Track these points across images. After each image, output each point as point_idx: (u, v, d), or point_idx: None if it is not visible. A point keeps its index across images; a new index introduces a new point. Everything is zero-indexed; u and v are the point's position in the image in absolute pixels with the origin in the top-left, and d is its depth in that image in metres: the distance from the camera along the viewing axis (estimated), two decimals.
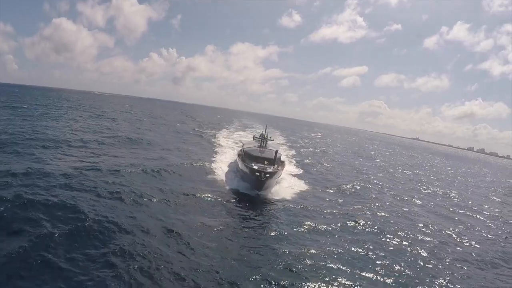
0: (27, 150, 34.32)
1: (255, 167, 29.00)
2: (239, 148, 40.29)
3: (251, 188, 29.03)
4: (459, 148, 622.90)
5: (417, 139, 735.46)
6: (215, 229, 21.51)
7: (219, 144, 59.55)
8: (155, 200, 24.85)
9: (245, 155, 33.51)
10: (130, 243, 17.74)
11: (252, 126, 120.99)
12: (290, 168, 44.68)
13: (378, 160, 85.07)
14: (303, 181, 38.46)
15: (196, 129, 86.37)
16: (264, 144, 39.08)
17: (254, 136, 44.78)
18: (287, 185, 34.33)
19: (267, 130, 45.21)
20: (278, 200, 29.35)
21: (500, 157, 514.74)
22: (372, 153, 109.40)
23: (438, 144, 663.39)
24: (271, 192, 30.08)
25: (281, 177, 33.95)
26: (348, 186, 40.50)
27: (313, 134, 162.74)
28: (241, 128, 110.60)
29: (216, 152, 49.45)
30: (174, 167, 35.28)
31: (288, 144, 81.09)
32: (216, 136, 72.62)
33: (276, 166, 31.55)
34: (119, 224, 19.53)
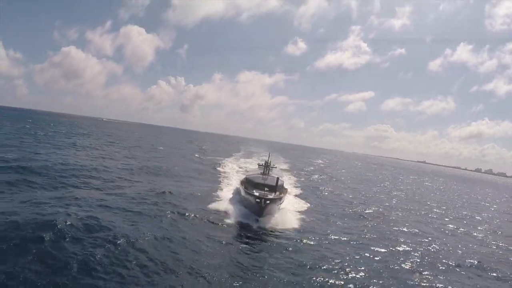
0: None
1: (256, 194, 29.45)
2: (243, 176, 40.92)
3: (252, 214, 29.47)
4: (466, 169, 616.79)
5: (424, 162, 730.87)
6: (207, 258, 21.84)
7: (224, 172, 60.34)
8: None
9: (247, 182, 34.17)
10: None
11: (258, 153, 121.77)
12: (293, 195, 45.02)
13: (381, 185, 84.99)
14: (306, 208, 38.89)
15: (201, 157, 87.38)
16: (267, 171, 39.72)
17: (258, 164, 45.25)
18: (289, 213, 34.21)
19: (270, 157, 45.75)
20: (279, 230, 29.38)
21: (508, 177, 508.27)
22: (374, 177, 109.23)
23: (446, 166, 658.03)
24: (272, 220, 30.22)
25: (283, 204, 34.16)
26: (350, 211, 41.75)
27: (319, 161, 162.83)
28: (247, 155, 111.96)
29: (220, 181, 49.90)
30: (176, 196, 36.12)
31: (293, 171, 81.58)
32: (222, 164, 73.09)
33: (278, 193, 32.17)
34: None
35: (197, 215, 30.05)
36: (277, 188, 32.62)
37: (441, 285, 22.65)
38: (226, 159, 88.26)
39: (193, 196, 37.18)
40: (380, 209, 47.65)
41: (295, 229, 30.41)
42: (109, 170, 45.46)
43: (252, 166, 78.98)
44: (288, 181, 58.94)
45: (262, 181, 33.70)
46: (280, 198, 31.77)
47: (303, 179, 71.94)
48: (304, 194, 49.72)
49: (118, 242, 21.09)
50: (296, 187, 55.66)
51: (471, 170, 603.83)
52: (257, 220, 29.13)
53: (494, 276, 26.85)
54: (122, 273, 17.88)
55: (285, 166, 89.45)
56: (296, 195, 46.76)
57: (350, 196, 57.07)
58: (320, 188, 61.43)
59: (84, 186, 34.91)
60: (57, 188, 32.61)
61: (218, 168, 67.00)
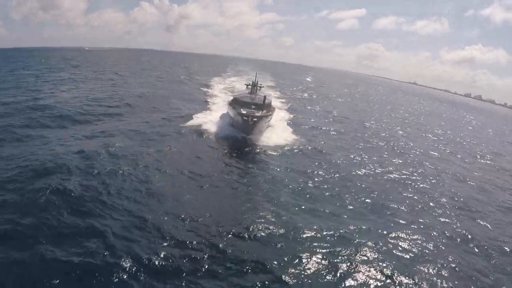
0: None
1: (244, 112, 29.62)
2: (231, 97, 40.68)
3: (241, 132, 29.93)
4: (456, 93, 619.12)
5: (415, 83, 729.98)
6: (203, 178, 22.51)
7: (211, 93, 60.09)
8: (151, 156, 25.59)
9: (235, 102, 34.12)
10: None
11: (245, 72, 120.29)
12: (281, 113, 45.77)
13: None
14: (294, 125, 40.04)
15: (188, 79, 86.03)
16: (255, 91, 39.26)
17: (246, 84, 44.68)
18: (277, 129, 35.13)
19: (257, 77, 44.79)
20: (268, 147, 30.20)
21: (496, 104, 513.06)
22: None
23: (435, 89, 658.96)
24: (261, 137, 31.11)
25: (271, 121, 34.93)
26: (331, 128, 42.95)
27: (308, 79, 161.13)
28: (234, 74, 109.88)
29: (208, 102, 50.01)
30: (164, 122, 36.11)
31: (281, 89, 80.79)
32: (209, 85, 72.54)
33: (265, 111, 32.17)
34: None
35: (186, 137, 30.77)
36: (265, 106, 32.60)
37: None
38: (213, 78, 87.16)
39: (182, 118, 37.39)
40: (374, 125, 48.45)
41: (283, 145, 31.34)
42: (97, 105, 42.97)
43: (239, 85, 78.10)
44: (276, 100, 58.66)
45: (250, 100, 33.75)
46: (268, 116, 32.09)
47: (291, 97, 72.04)
48: (293, 112, 50.79)
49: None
50: (284, 104, 56.44)
51: (461, 95, 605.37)
52: (245, 138, 29.75)
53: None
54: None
55: (272, 84, 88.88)
56: (284, 113, 47.67)
57: (336, 113, 57.47)
58: (308, 106, 62.21)
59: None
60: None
61: (205, 89, 66.38)
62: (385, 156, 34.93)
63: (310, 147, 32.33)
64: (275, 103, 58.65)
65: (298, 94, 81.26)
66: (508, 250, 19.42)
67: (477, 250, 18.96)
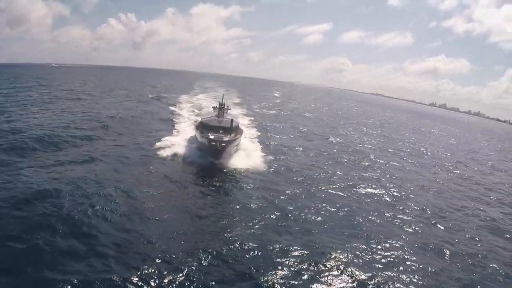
0: None
1: (211, 137, 29.37)
2: (198, 120, 40.29)
3: (209, 157, 29.59)
4: (422, 103, 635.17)
5: (381, 95, 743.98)
6: (171, 203, 22.42)
7: (180, 114, 58.70)
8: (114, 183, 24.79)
9: (202, 126, 33.64)
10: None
11: (213, 88, 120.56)
12: (249, 134, 45.51)
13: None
14: (261, 148, 39.18)
15: (155, 98, 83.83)
16: (222, 113, 38.64)
17: (213, 106, 43.58)
18: (246, 152, 34.51)
19: (224, 99, 44.76)
20: (237, 170, 30.06)
21: (461, 112, 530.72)
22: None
23: (401, 99, 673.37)
24: (229, 161, 30.69)
25: (240, 146, 34.61)
26: (300, 149, 43.02)
27: (276, 94, 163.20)
28: (202, 91, 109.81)
29: (176, 122, 49.71)
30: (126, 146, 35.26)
31: (248, 107, 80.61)
32: (176, 105, 71.18)
33: (233, 134, 32.05)
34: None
35: (156, 161, 30.35)
36: (232, 129, 32.54)
37: None
38: (181, 97, 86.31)
39: (151, 141, 36.78)
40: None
41: (252, 166, 31.29)
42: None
43: (206, 102, 78.26)
44: (243, 120, 58.90)
45: (217, 124, 33.57)
46: (236, 139, 31.87)
47: (259, 114, 72.66)
48: (260, 132, 50.32)
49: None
50: (252, 125, 55.83)
51: (426, 104, 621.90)
52: (214, 163, 29.49)
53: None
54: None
55: (239, 101, 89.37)
56: (252, 134, 47.29)
57: (305, 129, 58.33)
58: (276, 123, 62.62)
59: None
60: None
61: (173, 108, 65.65)
62: (353, 171, 35.66)
63: (279, 166, 32.74)
64: (243, 121, 58.89)
65: (266, 111, 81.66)
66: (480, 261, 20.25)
67: (447, 259, 19.97)
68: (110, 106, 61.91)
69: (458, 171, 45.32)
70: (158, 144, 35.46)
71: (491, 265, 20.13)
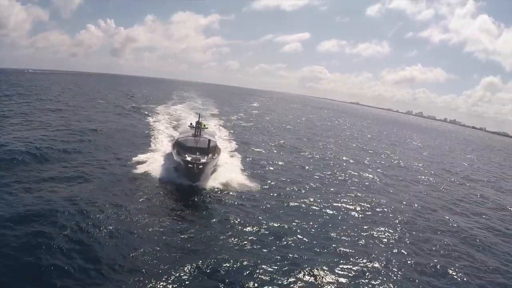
0: None
1: (188, 159, 28.85)
2: (175, 137, 39.86)
3: (186, 179, 28.95)
4: (398, 111, 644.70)
5: (358, 103, 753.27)
6: (148, 227, 21.75)
7: (157, 128, 57.14)
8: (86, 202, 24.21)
9: (179, 146, 33.06)
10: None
11: (191, 98, 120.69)
12: (228, 151, 44.93)
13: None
14: (239, 162, 39.34)
15: (134, 110, 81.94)
16: (199, 132, 37.41)
17: (189, 125, 42.94)
18: (224, 171, 33.62)
19: (201, 117, 44.16)
20: (215, 190, 29.53)
21: (437, 120, 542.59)
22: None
23: (379, 108, 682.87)
24: (208, 182, 30.11)
25: (218, 164, 34.07)
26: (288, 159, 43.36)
27: (255, 104, 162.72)
28: (180, 100, 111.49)
29: (153, 137, 48.75)
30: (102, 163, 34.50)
31: (225, 119, 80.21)
32: (154, 116, 70.59)
33: (210, 155, 31.54)
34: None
35: (132, 181, 29.56)
36: (210, 150, 31.90)
37: None
38: (158, 108, 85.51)
39: (128, 157, 36.01)
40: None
41: (231, 186, 30.82)
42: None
43: (184, 113, 77.97)
44: (221, 132, 59.26)
45: (194, 144, 32.81)
46: (213, 160, 31.44)
47: (237, 126, 72.28)
48: (238, 145, 50.01)
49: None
50: (230, 138, 55.56)
51: (402, 113, 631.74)
52: (192, 185, 28.82)
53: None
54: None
55: (217, 112, 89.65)
56: (231, 148, 47.23)
57: (284, 142, 58.75)
58: (255, 136, 62.62)
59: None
60: None
61: (150, 120, 65.00)
62: (332, 187, 35.97)
63: (258, 184, 32.48)
64: (221, 133, 58.85)
65: (244, 123, 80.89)
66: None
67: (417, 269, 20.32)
68: (90, 117, 60.78)
69: (434, 183, 46.50)
70: (135, 158, 35.16)
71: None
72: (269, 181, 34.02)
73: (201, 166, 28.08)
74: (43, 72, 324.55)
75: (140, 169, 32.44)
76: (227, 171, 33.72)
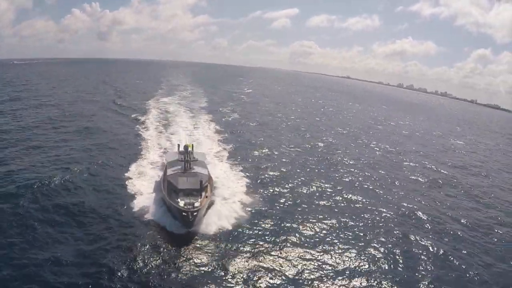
0: None
1: (181, 204, 27.18)
2: (164, 162, 37.56)
3: (180, 224, 26.79)
4: (389, 85, 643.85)
5: (348, 77, 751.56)
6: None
7: (145, 132, 54.19)
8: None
9: (170, 186, 30.44)
10: None
11: (182, 87, 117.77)
12: (221, 160, 43.70)
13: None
14: (236, 188, 35.73)
15: (119, 104, 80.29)
16: (189, 165, 33.83)
17: (178, 150, 38.82)
18: (220, 208, 30.56)
19: (191, 141, 42.10)
20: (211, 229, 27.38)
21: (428, 92, 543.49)
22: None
23: (369, 82, 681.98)
24: (203, 224, 27.81)
25: (212, 201, 31.27)
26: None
27: (246, 89, 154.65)
28: (169, 90, 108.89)
29: (141, 146, 46.71)
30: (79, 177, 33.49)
31: (215, 114, 76.09)
32: (143, 113, 68.61)
33: (203, 194, 29.55)
34: None
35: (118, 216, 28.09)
36: (202, 188, 29.68)
37: None
38: (146, 103, 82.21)
39: (99, 180, 34.58)
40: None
41: (228, 221, 28.63)
42: None
43: (173, 108, 75.67)
44: (213, 133, 57.31)
45: (186, 185, 30.00)
46: (208, 200, 29.37)
47: (228, 122, 69.15)
48: (235, 156, 46.44)
49: None
50: (222, 140, 52.80)
51: (393, 86, 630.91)
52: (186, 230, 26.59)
53: None
54: None
55: (206, 105, 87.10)
56: (223, 157, 45.14)
57: (284, 145, 56.14)
58: (249, 136, 59.22)
59: None
60: None
61: (138, 118, 63.57)
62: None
63: (258, 212, 30.83)
64: (213, 134, 56.93)
65: (237, 117, 77.19)
66: None
67: None
68: (77, 120, 59.68)
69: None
70: (125, 175, 34.90)
71: None
72: (270, 207, 32.04)
73: (195, 214, 25.91)
74: (30, 61, 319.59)
75: (128, 196, 30.95)
76: (224, 206, 31.00)
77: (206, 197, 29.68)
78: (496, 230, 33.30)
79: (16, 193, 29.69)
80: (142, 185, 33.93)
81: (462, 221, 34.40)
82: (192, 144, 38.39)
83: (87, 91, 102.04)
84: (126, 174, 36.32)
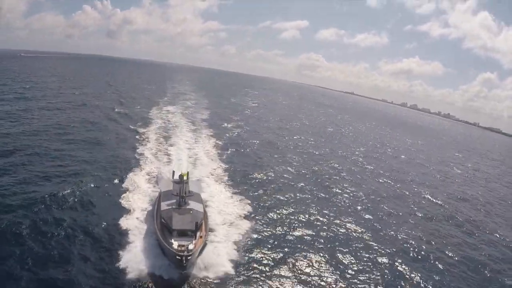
0: None
1: (175, 245, 26.06)
2: (158, 191, 35.83)
3: (174, 266, 25.96)
4: (393, 103, 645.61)
5: (352, 93, 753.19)
6: None
7: (145, 156, 50.33)
8: None
9: (163, 223, 29.31)
10: None
11: (186, 95, 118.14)
12: (221, 186, 41.72)
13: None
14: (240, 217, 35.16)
15: (121, 111, 79.29)
16: (184, 201, 31.86)
17: (173, 179, 37.35)
18: (215, 249, 29.46)
19: (187, 168, 40.59)
20: (208, 276, 26.39)
21: (432, 113, 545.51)
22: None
23: (373, 99, 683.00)
24: (198, 266, 27.07)
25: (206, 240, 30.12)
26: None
27: (251, 103, 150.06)
28: (173, 98, 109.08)
29: (140, 162, 45.40)
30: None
31: (215, 129, 74.94)
32: (144, 124, 68.00)
33: (198, 234, 28.37)
34: None
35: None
36: (197, 228, 28.53)
37: None
38: (149, 112, 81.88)
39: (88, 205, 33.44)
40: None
41: (221, 270, 27.19)
42: None
43: (175, 118, 75.90)
44: (210, 152, 55.71)
45: (180, 226, 28.57)
46: (202, 240, 28.29)
47: (231, 141, 66.57)
48: (235, 182, 44.18)
49: None
50: (221, 167, 49.20)
51: (397, 104, 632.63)
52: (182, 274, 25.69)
53: None
54: None
55: (207, 117, 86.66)
56: (224, 184, 42.89)
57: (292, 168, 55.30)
58: (252, 161, 56.49)
59: None
60: None
61: (138, 130, 62.32)
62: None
63: (256, 246, 30.33)
64: (210, 149, 56.81)
65: (240, 133, 76.02)
66: None
67: None
68: (80, 127, 59.57)
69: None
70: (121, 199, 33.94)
71: None
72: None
73: (189, 257, 24.91)
74: (36, 55, 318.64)
75: (121, 240, 28.92)
76: (219, 246, 29.89)
77: (201, 237, 28.58)
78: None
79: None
80: (134, 219, 32.32)
81: (451, 255, 35.28)
82: (188, 172, 37.48)
83: (93, 93, 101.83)
84: (119, 195, 35.43)
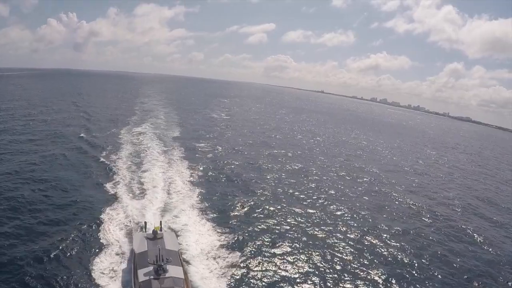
0: None
1: None
2: (134, 251, 31.16)
3: None
4: (362, 99, 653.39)
5: (322, 91, 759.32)
6: None
7: (116, 171, 50.56)
8: None
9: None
10: None
11: (156, 111, 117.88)
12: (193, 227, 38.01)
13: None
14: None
15: (88, 135, 74.97)
16: (162, 270, 28.22)
17: (146, 230, 34.57)
18: None
19: (160, 222, 35.65)
20: None
21: (401, 106, 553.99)
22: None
23: (343, 96, 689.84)
24: None
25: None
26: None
27: (222, 115, 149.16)
28: (142, 116, 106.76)
29: (112, 203, 41.44)
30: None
31: (187, 153, 71.81)
32: (115, 151, 63.84)
33: None
34: None
35: None
36: None
37: None
38: (118, 135, 78.26)
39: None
40: None
41: None
42: None
43: (146, 140, 73.98)
44: (184, 176, 53.87)
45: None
46: None
47: (206, 165, 61.94)
48: (209, 215, 41.36)
49: None
50: (196, 193, 47.02)
51: (367, 100, 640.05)
52: None
53: None
54: None
55: (178, 135, 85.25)
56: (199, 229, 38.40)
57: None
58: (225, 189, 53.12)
59: None
60: None
61: (108, 164, 56.19)
62: None
63: None
64: (184, 173, 54.77)
65: (215, 152, 73.64)
66: None
67: None
68: (44, 166, 53.04)
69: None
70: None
71: None
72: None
73: None
74: (1, 74, 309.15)
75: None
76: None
77: None
78: None
79: None
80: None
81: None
82: (160, 222, 35.26)
83: (58, 120, 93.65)
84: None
